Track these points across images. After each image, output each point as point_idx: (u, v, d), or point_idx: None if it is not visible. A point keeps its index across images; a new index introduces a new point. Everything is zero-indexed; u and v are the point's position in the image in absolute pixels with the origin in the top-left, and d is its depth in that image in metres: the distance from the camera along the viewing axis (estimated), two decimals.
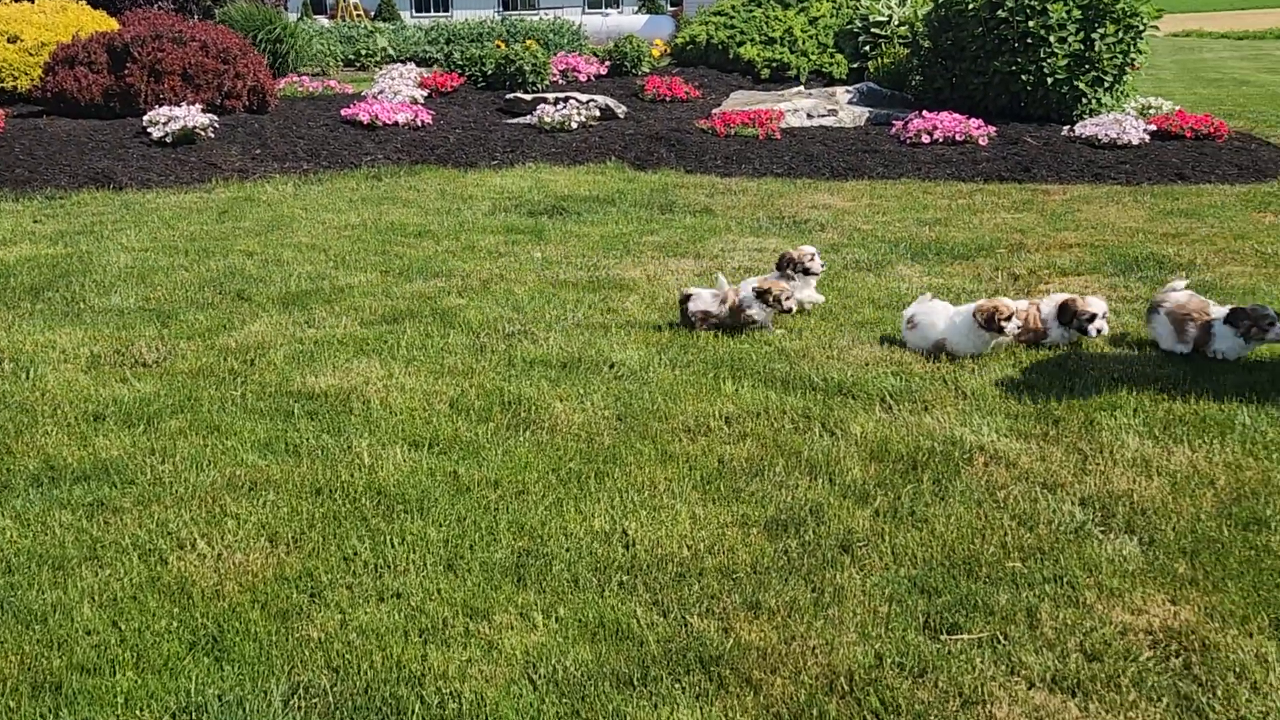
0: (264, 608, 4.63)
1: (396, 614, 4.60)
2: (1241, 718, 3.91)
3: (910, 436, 6.24)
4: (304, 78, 23.10)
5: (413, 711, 3.99)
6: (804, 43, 23.03)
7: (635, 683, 4.14)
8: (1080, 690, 4.08)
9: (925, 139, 15.86)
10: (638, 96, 20.75)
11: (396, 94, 19.53)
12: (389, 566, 4.96)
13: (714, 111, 18.01)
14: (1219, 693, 4.05)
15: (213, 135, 16.30)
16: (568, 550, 5.08)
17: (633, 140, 16.33)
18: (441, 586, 4.79)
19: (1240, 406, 6.53)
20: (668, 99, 20.59)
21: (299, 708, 4.02)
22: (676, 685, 4.12)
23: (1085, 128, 15.80)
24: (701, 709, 4.00)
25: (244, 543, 5.15)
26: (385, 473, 5.85)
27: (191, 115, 16.05)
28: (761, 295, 7.79)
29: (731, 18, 24.28)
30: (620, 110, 18.49)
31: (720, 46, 23.89)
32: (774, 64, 22.84)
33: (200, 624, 4.52)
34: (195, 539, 5.18)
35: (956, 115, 16.28)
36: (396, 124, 17.35)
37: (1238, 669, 4.18)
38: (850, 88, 19.50)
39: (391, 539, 5.17)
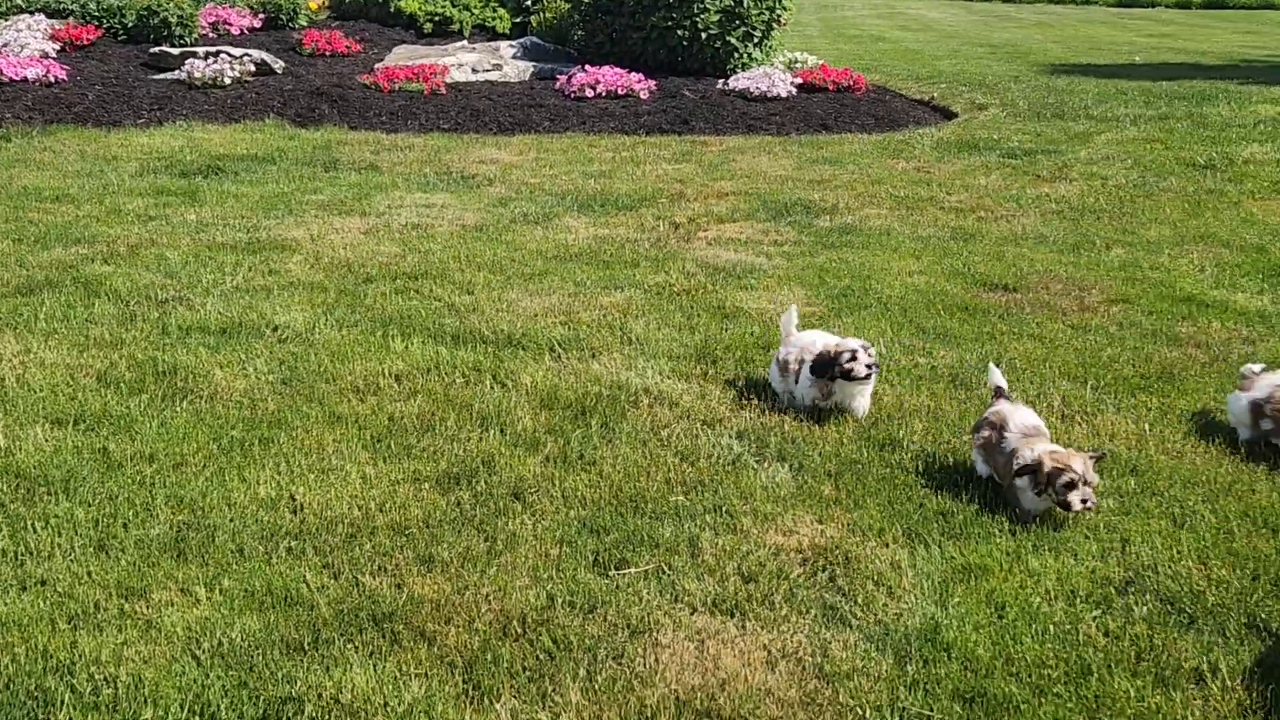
0: None
1: (41, 602, 4.25)
2: (879, 620, 4.27)
3: (579, 383, 6.36)
4: None
5: (62, 702, 3.70)
6: None
7: (306, 647, 4.02)
8: (738, 611, 4.32)
9: (589, 93, 16.10)
10: (296, 51, 19.81)
11: (24, 47, 17.68)
12: (31, 553, 4.56)
13: (377, 66, 17.49)
14: (860, 600, 4.40)
15: None
16: (232, 520, 4.85)
17: (292, 96, 15.61)
18: (92, 569, 4.46)
19: (875, 338, 7.09)
20: (328, 54, 19.78)
21: None
22: (349, 645, 4.04)
23: (738, 81, 16.55)
24: (375, 666, 3.93)
25: None
26: (24, 454, 5.36)
27: None
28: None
29: None
30: (278, 65, 17.61)
31: (381, 0, 23.22)
32: (436, 18, 22.45)
33: None
34: None
35: (618, 69, 16.62)
36: (26, 80, 15.73)
37: (876, 577, 4.55)
38: (514, 42, 19.48)
39: (33, 523, 4.75)
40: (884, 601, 4.40)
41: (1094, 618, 4.26)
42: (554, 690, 3.85)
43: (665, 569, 4.58)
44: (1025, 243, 9.58)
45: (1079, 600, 4.37)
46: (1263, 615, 4.25)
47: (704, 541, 4.77)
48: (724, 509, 5.05)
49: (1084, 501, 4.79)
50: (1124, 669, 3.95)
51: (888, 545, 4.79)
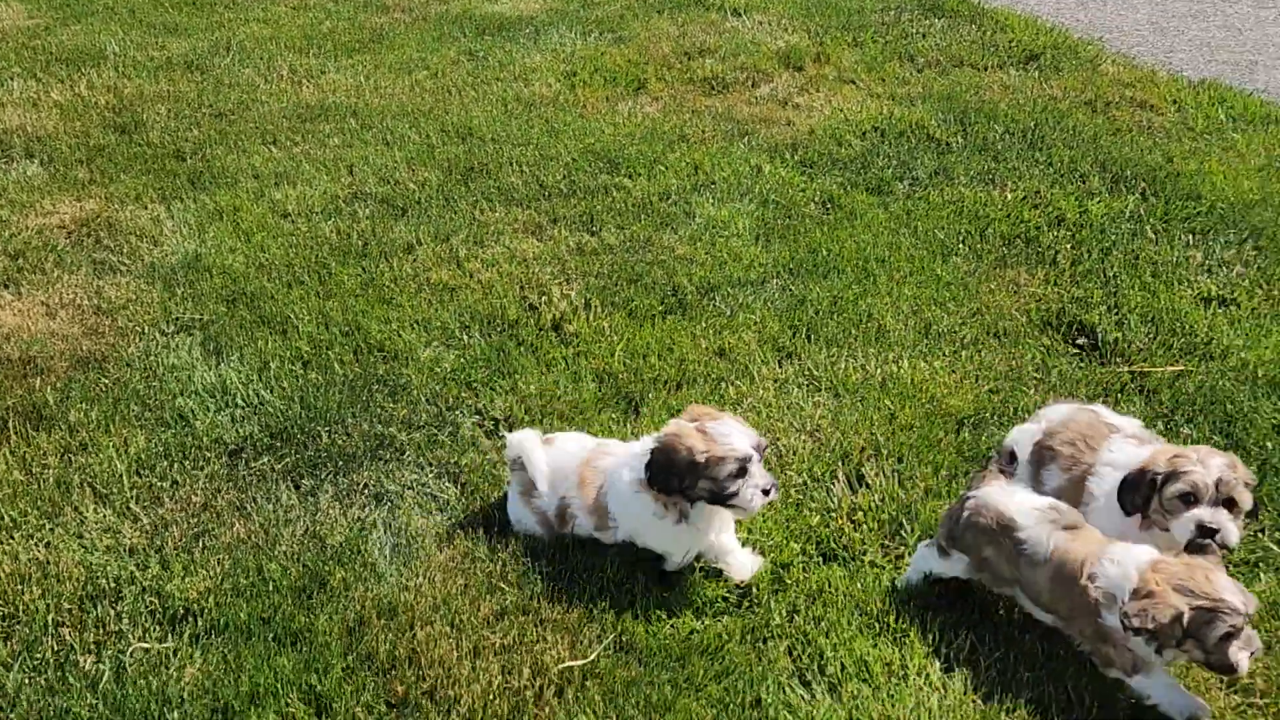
0: None
1: None
2: (147, 263, 4.84)
3: None
4: None
5: None
6: None
7: None
8: (13, 283, 4.64)
9: None
10: None
11: None
12: None
13: None
14: (126, 252, 4.91)
15: None
16: None
17: None
18: None
19: (103, 41, 7.21)
20: None
21: None
22: None
23: None
24: None
25: None
26: None
27: None
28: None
29: None
30: None
31: None
32: None
33: None
34: None
35: None
36: None
37: (139, 232, 5.07)
38: None
39: None
40: (149, 249, 4.96)
41: (329, 224, 5.17)
42: None
43: None
44: None
45: (315, 214, 5.25)
46: (454, 197, 5.44)
47: None
48: None
49: None
50: (353, 255, 4.93)
51: (146, 207, 5.30)
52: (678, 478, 3.02)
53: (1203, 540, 2.77)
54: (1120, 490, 2.97)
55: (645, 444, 3.13)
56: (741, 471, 3.00)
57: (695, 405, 3.22)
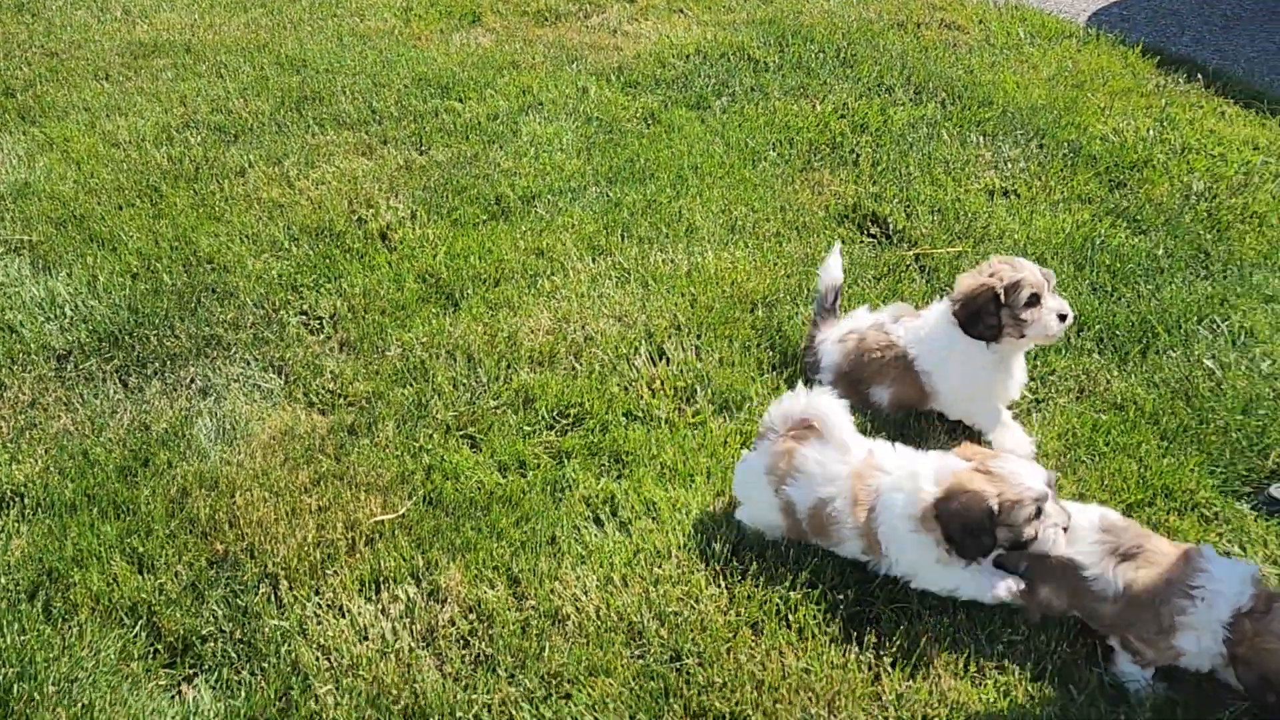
0: None
1: None
2: None
3: None
4: None
5: None
6: None
7: None
8: None
9: None
10: None
11: None
12: None
13: None
14: None
15: None
16: None
17: None
18: None
19: None
20: None
21: None
22: None
23: None
24: None
25: None
26: None
27: None
28: None
29: None
30: None
31: None
32: None
33: None
34: None
35: None
36: None
37: None
38: None
39: None
40: None
41: (161, 152, 5.25)
42: None
43: None
44: None
45: (146, 143, 5.33)
46: (287, 124, 5.56)
47: None
48: None
49: None
50: (184, 179, 5.03)
51: None
52: (977, 535, 2.70)
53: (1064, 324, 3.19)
54: (967, 323, 3.25)
55: (921, 468, 2.80)
56: (1038, 513, 2.70)
57: (966, 444, 2.90)
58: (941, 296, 3.55)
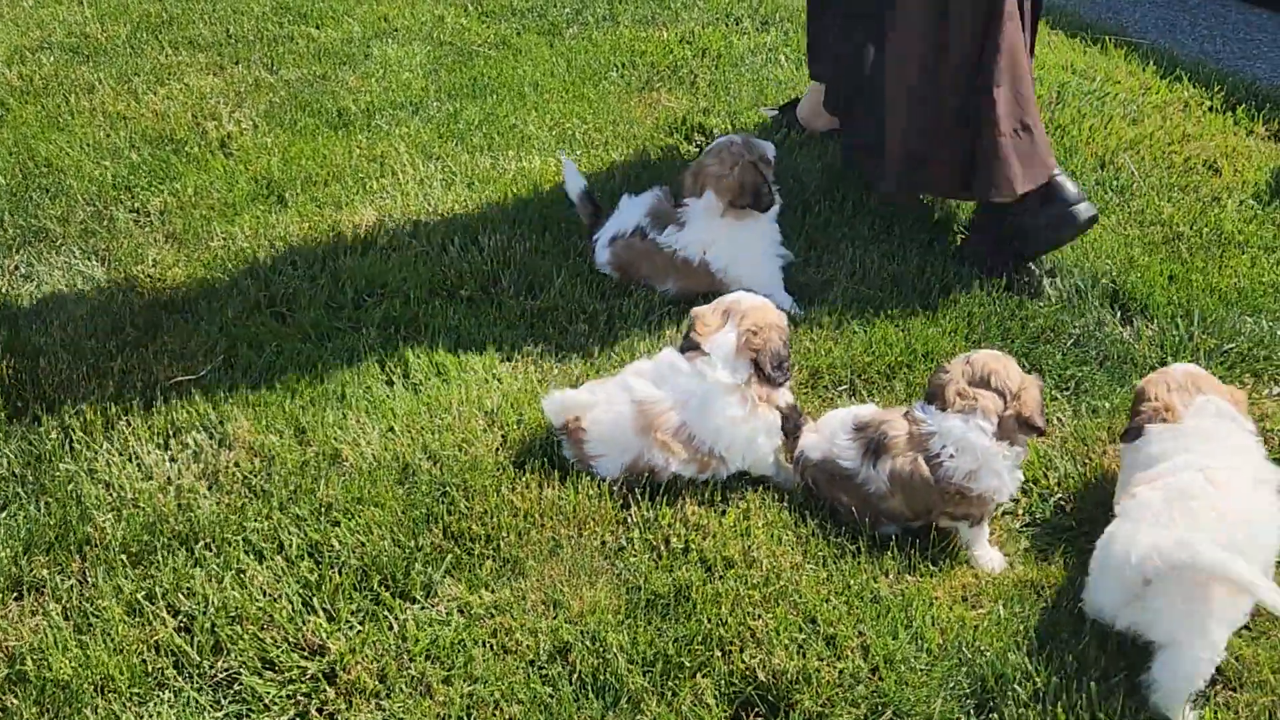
0: None
1: None
2: None
3: None
4: None
5: None
6: None
7: None
8: None
9: None
10: None
11: None
12: None
13: None
14: None
15: None
16: None
17: None
18: None
19: None
20: None
21: None
22: None
23: None
24: None
25: None
26: None
27: None
28: None
29: None
30: None
31: None
32: None
33: None
34: None
35: None
36: None
37: None
38: None
39: None
40: None
41: (12, 71, 5.33)
42: None
43: None
44: None
45: (15, 64, 5.40)
46: (141, 45, 5.65)
47: None
48: None
49: None
50: (32, 95, 5.12)
51: None
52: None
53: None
54: (753, 204, 3.61)
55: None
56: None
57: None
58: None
